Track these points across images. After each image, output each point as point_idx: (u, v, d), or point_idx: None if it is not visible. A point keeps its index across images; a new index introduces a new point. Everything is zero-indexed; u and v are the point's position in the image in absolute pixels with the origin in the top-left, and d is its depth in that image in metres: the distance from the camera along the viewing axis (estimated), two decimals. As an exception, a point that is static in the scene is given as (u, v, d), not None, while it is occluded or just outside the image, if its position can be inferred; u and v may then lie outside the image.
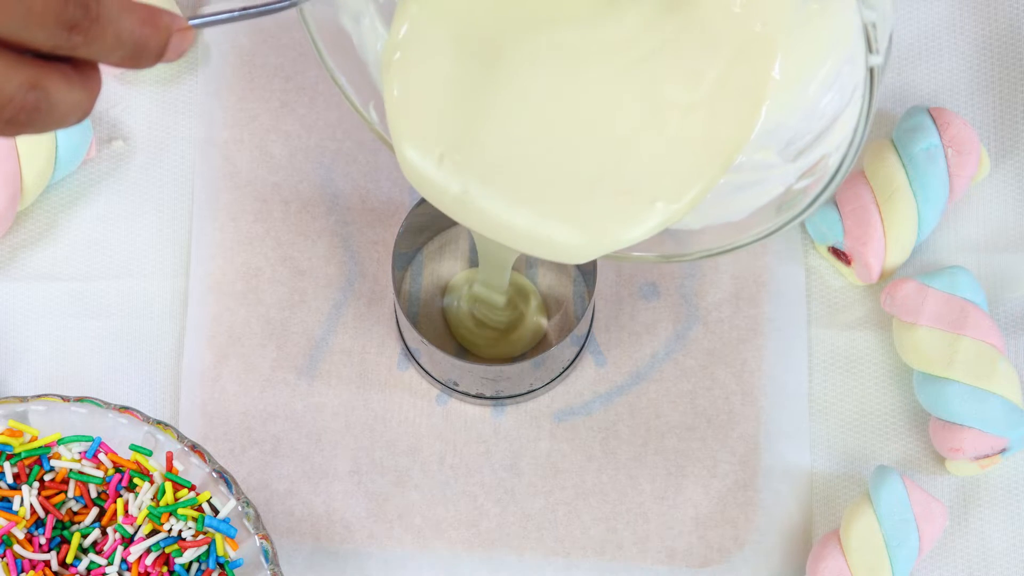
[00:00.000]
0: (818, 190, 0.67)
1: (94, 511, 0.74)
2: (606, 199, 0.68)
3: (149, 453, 0.75)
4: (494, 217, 0.69)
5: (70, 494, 0.75)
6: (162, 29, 0.57)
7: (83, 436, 0.75)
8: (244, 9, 0.62)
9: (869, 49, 0.61)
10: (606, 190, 0.68)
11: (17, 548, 0.74)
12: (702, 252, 0.70)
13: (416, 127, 0.69)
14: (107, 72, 0.89)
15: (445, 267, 0.87)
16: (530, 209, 0.69)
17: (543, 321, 0.86)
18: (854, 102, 0.65)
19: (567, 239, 0.68)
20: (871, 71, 0.61)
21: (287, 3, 0.64)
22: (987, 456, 0.82)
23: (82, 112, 0.57)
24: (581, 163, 0.68)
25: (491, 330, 0.85)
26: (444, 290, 0.86)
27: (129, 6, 0.56)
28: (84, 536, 0.74)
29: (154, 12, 0.57)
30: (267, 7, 0.63)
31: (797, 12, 0.69)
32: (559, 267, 0.86)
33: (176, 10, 0.89)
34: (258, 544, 0.75)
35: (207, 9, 0.90)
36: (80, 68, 0.57)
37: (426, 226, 0.86)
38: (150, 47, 0.57)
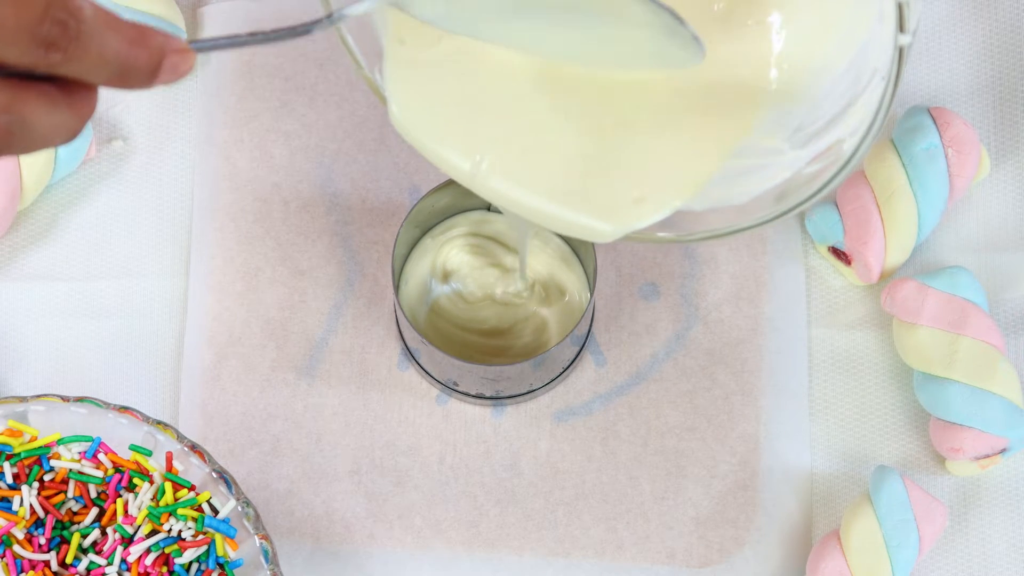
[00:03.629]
0: (831, 174, 0.66)
1: (94, 511, 0.74)
2: (611, 184, 0.69)
3: (149, 453, 0.75)
4: (503, 193, 0.69)
5: (70, 494, 0.75)
6: (154, 49, 0.55)
7: (83, 436, 0.75)
8: (252, 34, 0.60)
9: (900, 28, 0.61)
10: (609, 175, 0.68)
11: (17, 548, 0.74)
12: (706, 233, 0.70)
13: (422, 102, 0.69)
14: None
15: (446, 266, 0.87)
16: (541, 191, 0.68)
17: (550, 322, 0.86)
18: (872, 87, 0.65)
19: (582, 221, 0.68)
20: (900, 51, 0.61)
21: (298, 29, 0.62)
22: (987, 456, 0.82)
23: (68, 133, 0.55)
24: (585, 148, 0.68)
25: (482, 335, 0.85)
26: (444, 277, 0.86)
27: (115, 24, 0.54)
28: (84, 536, 0.74)
29: (144, 31, 0.55)
30: (275, 34, 0.61)
31: (796, 5, 0.69)
32: (559, 266, 0.85)
33: (176, 12, 0.89)
34: (258, 544, 0.75)
35: (208, 27, 0.90)
36: (67, 88, 0.54)
37: (426, 226, 0.86)
38: (139, 67, 0.55)
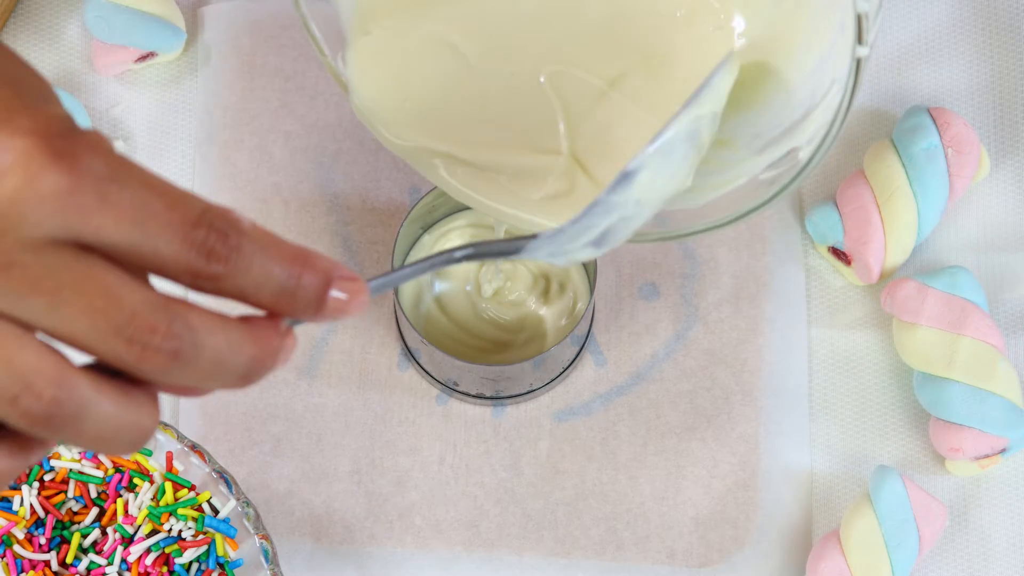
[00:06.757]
0: (787, 180, 0.66)
1: (94, 511, 0.74)
2: (567, 181, 0.69)
3: (149, 453, 0.75)
4: (464, 192, 0.69)
5: (70, 494, 0.75)
6: (319, 271, 0.49)
7: (83, 436, 0.75)
8: (417, 263, 0.56)
9: (859, 41, 0.61)
10: (568, 173, 0.69)
11: (17, 548, 0.74)
12: (661, 234, 0.69)
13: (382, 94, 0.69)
14: (107, 72, 0.89)
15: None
16: (503, 193, 0.69)
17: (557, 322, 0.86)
18: (831, 96, 0.65)
19: (533, 219, 0.69)
20: (858, 62, 0.61)
21: (451, 257, 0.58)
22: (987, 456, 0.82)
23: (135, 442, 0.48)
24: (549, 152, 0.69)
25: (488, 341, 0.85)
26: (443, 276, 0.86)
27: (276, 243, 0.49)
28: (84, 536, 0.74)
29: (307, 252, 0.50)
30: (440, 256, 0.57)
31: (759, 12, 0.69)
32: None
33: (176, 12, 0.88)
34: (258, 544, 0.75)
35: (208, 27, 0.90)
36: (131, 390, 0.48)
37: (427, 226, 0.86)
38: (305, 289, 0.49)
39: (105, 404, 0.48)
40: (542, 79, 0.69)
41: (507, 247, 0.59)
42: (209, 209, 0.48)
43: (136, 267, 0.47)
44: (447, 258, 0.57)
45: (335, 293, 0.50)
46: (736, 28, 0.69)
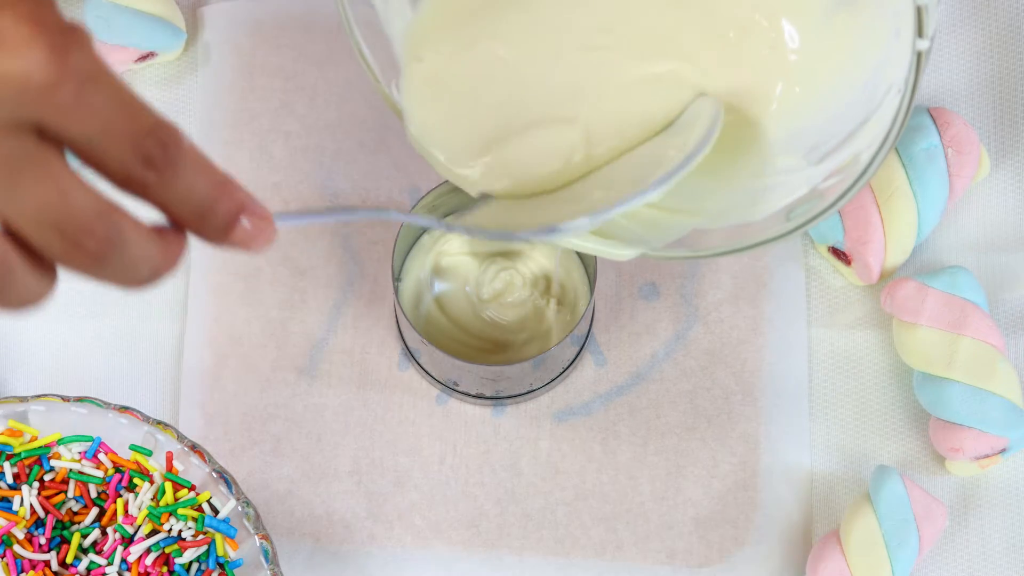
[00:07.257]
0: (847, 185, 0.66)
1: (94, 511, 0.75)
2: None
3: (149, 453, 0.75)
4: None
5: (70, 494, 0.75)
6: (234, 200, 0.54)
7: (83, 436, 0.75)
8: (331, 209, 0.60)
9: (919, 34, 0.61)
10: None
11: (17, 548, 0.74)
12: (722, 249, 0.70)
13: (439, 123, 0.70)
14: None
15: (445, 264, 0.87)
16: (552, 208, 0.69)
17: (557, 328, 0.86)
18: (888, 101, 0.65)
19: (599, 248, 0.69)
20: (918, 56, 0.61)
21: (375, 212, 0.63)
22: (987, 456, 0.82)
23: (34, 305, 0.53)
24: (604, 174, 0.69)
25: (488, 340, 0.85)
26: (443, 276, 0.86)
27: (206, 166, 0.53)
28: (84, 536, 0.74)
29: (229, 181, 0.54)
30: (353, 210, 0.61)
31: (815, 28, 0.69)
32: (563, 265, 0.86)
33: (176, 12, 0.89)
34: (258, 544, 0.75)
35: (208, 27, 0.90)
36: (41, 263, 0.52)
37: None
38: (218, 212, 0.53)
39: (27, 276, 0.51)
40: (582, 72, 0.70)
41: (433, 224, 0.65)
42: (160, 124, 0.51)
43: (79, 158, 0.51)
44: (364, 213, 0.61)
45: (244, 222, 0.54)
46: (789, 45, 0.69)
